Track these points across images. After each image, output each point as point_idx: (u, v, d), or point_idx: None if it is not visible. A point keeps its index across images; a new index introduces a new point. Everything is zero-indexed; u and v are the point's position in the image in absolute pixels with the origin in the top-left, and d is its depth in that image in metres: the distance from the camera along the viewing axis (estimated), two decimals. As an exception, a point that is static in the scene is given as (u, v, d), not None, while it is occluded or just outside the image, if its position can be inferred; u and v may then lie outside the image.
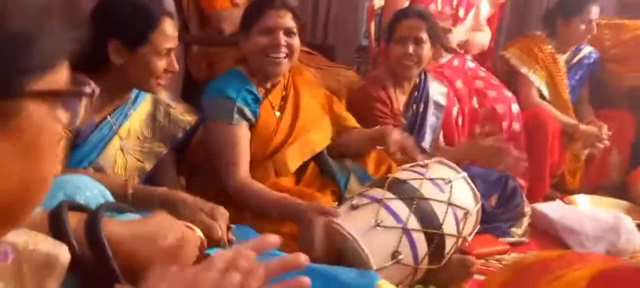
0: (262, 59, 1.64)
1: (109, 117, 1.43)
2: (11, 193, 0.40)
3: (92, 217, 0.70)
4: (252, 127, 1.64)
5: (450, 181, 1.57)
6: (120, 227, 0.73)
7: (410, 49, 2.00)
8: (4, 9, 0.37)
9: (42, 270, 0.55)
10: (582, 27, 2.55)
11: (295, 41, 1.66)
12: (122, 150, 1.45)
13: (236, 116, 1.59)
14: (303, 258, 0.61)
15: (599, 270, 0.76)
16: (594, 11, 2.53)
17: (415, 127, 2.16)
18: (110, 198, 0.95)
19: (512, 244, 2.08)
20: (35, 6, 0.39)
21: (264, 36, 1.63)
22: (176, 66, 1.43)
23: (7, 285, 0.52)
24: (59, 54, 0.41)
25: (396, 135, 1.70)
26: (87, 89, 0.44)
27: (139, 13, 1.37)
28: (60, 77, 0.41)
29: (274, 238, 0.63)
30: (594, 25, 2.55)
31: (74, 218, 0.69)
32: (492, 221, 2.08)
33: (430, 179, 1.56)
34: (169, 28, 1.39)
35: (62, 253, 0.58)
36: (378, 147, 1.81)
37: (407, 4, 2.44)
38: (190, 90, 2.29)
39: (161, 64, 1.38)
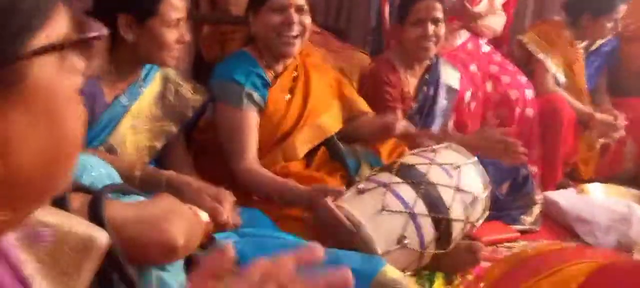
0: (274, 38, 1.62)
1: (122, 94, 1.44)
2: (39, 164, 0.38)
3: (96, 199, 0.70)
4: (261, 111, 1.63)
5: (458, 166, 1.56)
6: (123, 209, 0.73)
7: (430, 29, 1.97)
8: None
9: (79, 252, 0.54)
10: (609, 25, 2.51)
11: (307, 19, 1.64)
12: (133, 129, 1.45)
13: (245, 101, 1.58)
14: (319, 250, 0.56)
15: (598, 266, 0.75)
16: (621, 10, 2.49)
17: (424, 110, 2.14)
18: (118, 179, 0.95)
19: (522, 232, 2.07)
20: None
21: (276, 14, 1.60)
22: (188, 36, 1.43)
23: (43, 266, 0.51)
24: (51, 4, 0.37)
25: (400, 126, 1.69)
26: (92, 33, 0.40)
27: None
28: (59, 25, 0.37)
29: (319, 251, 0.56)
30: (619, 23, 2.50)
31: (78, 199, 0.69)
32: (503, 208, 2.06)
33: (439, 164, 1.55)
34: None
35: (100, 236, 0.57)
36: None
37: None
38: (201, 69, 2.29)
39: (171, 35, 1.38)
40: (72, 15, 0.39)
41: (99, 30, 0.40)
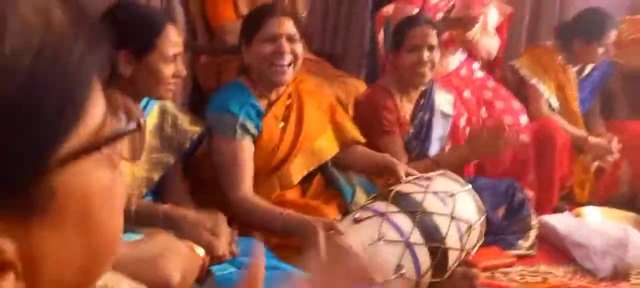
0: (266, 68, 1.64)
1: None
2: (78, 268, 0.33)
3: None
4: (255, 140, 1.65)
5: (453, 194, 1.58)
6: (121, 248, 0.74)
7: (425, 56, 2.00)
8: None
9: None
10: (601, 50, 2.53)
11: (298, 48, 1.67)
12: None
13: (239, 132, 1.60)
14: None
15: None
16: (613, 35, 2.51)
17: (421, 135, 2.16)
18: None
19: (519, 257, 2.08)
20: (28, 49, 0.28)
21: (267, 44, 1.63)
22: (184, 71, 1.45)
23: None
24: (82, 94, 0.30)
25: (403, 170, 1.69)
26: (131, 125, 0.34)
27: (142, 22, 1.40)
28: (93, 117, 0.31)
29: None
30: (612, 48, 2.53)
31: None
32: (499, 233, 2.07)
33: (434, 192, 1.57)
34: (173, 34, 1.42)
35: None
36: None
37: (415, 11, 2.44)
38: (199, 100, 2.31)
39: (169, 69, 1.40)
40: (106, 97, 0.33)
41: (138, 118, 0.36)
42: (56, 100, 0.28)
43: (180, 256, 0.80)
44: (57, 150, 0.29)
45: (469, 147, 1.94)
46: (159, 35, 1.38)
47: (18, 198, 0.28)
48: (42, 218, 0.30)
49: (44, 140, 0.28)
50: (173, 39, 1.41)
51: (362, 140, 1.87)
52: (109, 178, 0.33)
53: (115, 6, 1.43)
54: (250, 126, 1.62)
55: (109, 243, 0.35)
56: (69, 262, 0.32)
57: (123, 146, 0.35)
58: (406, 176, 1.67)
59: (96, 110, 0.31)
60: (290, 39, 1.64)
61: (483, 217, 1.64)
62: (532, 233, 2.14)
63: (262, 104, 1.68)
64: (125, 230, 0.85)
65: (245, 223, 1.51)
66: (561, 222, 2.23)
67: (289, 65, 1.65)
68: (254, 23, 1.67)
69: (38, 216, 0.30)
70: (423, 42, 2.01)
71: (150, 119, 1.52)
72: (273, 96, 1.72)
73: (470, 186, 1.66)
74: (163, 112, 1.55)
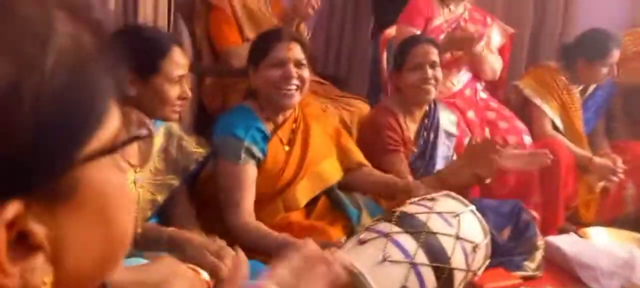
0: (274, 92, 1.66)
1: None
2: (91, 265, 0.38)
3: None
4: (260, 164, 1.66)
5: (458, 215, 1.57)
6: (126, 273, 0.74)
7: (429, 73, 2.01)
8: (29, 80, 0.32)
9: None
10: (604, 70, 2.54)
11: (305, 72, 1.68)
12: (135, 183, 1.47)
13: (243, 156, 1.61)
14: None
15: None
16: (616, 55, 2.52)
17: (426, 155, 2.16)
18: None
19: (525, 278, 2.06)
20: (64, 64, 0.33)
21: (275, 69, 1.65)
22: (189, 93, 1.46)
23: None
24: (105, 105, 0.36)
25: (418, 191, 1.69)
26: (143, 131, 0.40)
27: (148, 43, 1.41)
28: (112, 124, 0.37)
29: None
30: (615, 67, 2.54)
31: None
32: (505, 254, 2.05)
33: (438, 213, 1.56)
34: (179, 56, 1.43)
35: None
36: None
37: (418, 32, 2.46)
38: (203, 121, 2.33)
39: (174, 91, 1.41)
40: (121, 112, 0.39)
41: (147, 126, 0.41)
42: (85, 108, 0.35)
43: (185, 280, 0.80)
44: (82, 149, 0.35)
45: (465, 158, 1.93)
46: (164, 57, 1.40)
47: (50, 187, 0.33)
48: (67, 208, 0.35)
49: (73, 140, 0.34)
50: (179, 61, 1.42)
51: (367, 163, 1.87)
52: (120, 180, 0.39)
53: (123, 28, 1.45)
54: (255, 150, 1.63)
55: (122, 239, 0.40)
56: (88, 251, 0.37)
57: (132, 153, 0.39)
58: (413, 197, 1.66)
59: (113, 121, 0.37)
60: (298, 64, 1.66)
61: (488, 238, 1.63)
62: (538, 255, 2.12)
63: (268, 127, 1.69)
64: (130, 255, 0.86)
65: (244, 246, 1.51)
66: (567, 243, 2.21)
67: (296, 89, 1.67)
68: (262, 48, 1.69)
69: (64, 205, 0.35)
70: (425, 60, 2.03)
71: (156, 141, 1.53)
72: (279, 119, 1.73)
73: (474, 207, 1.65)
74: (169, 134, 1.56)
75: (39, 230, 0.33)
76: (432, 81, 2.03)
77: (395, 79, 2.13)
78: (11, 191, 0.32)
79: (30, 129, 0.32)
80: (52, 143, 0.33)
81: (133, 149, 0.39)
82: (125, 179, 0.39)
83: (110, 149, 0.37)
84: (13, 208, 0.32)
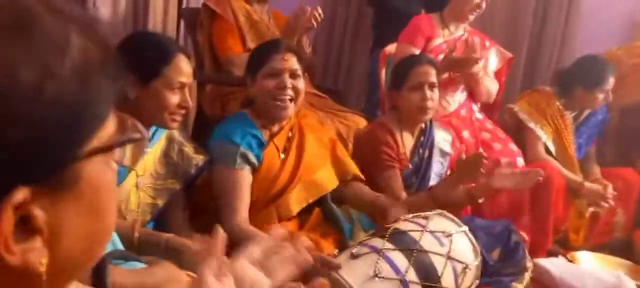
0: (269, 102, 1.69)
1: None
2: (82, 247, 0.42)
3: (100, 265, 0.73)
4: (255, 170, 1.68)
5: (450, 234, 1.60)
6: (125, 276, 0.76)
7: (428, 93, 2.05)
8: (48, 84, 0.36)
9: None
10: (600, 96, 2.57)
11: (300, 83, 1.71)
12: (136, 186, 1.47)
13: (239, 161, 1.63)
14: None
15: None
16: (612, 81, 2.55)
17: (420, 172, 2.19)
18: (118, 240, 0.98)
19: (513, 300, 2.08)
20: (76, 73, 0.38)
21: (271, 79, 1.68)
22: (190, 102, 1.46)
23: None
24: (106, 111, 0.42)
25: (397, 213, 1.70)
26: (136, 134, 0.47)
27: (153, 48, 1.42)
28: (110, 127, 0.42)
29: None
30: (611, 94, 2.58)
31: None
32: (493, 275, 2.07)
33: (431, 232, 1.59)
34: (183, 64, 1.43)
35: None
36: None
37: (417, 51, 2.50)
38: (203, 128, 2.34)
39: (174, 98, 1.41)
40: (116, 115, 0.44)
41: (140, 131, 0.45)
42: (90, 111, 0.40)
43: (181, 285, 0.82)
44: (85, 146, 0.39)
45: (457, 173, 1.96)
46: (167, 63, 1.41)
47: (54, 178, 0.38)
48: (66, 198, 0.39)
49: (78, 137, 0.39)
50: (182, 69, 1.43)
51: (361, 176, 1.89)
52: (112, 177, 0.43)
53: (132, 33, 1.48)
54: (251, 156, 1.66)
55: (107, 231, 0.44)
56: (78, 239, 0.41)
57: (125, 154, 0.45)
58: (400, 217, 1.67)
59: (111, 124, 0.42)
60: (293, 75, 1.69)
61: (479, 259, 1.65)
62: (527, 276, 2.14)
63: (264, 135, 1.72)
64: (129, 259, 0.88)
65: (238, 250, 1.52)
66: (555, 265, 2.24)
67: (291, 100, 1.69)
68: (259, 58, 1.73)
69: (64, 195, 0.39)
70: (425, 80, 2.06)
71: (158, 147, 1.54)
72: (275, 128, 1.76)
73: (466, 227, 1.68)
74: (170, 140, 1.57)
75: (40, 215, 0.38)
76: (430, 102, 2.06)
77: (394, 97, 2.16)
78: (23, 178, 0.36)
79: (46, 125, 0.36)
80: (61, 138, 0.38)
81: (126, 151, 0.46)
82: (115, 177, 0.44)
83: (108, 148, 0.42)
84: (22, 193, 0.36)
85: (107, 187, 0.43)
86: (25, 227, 0.37)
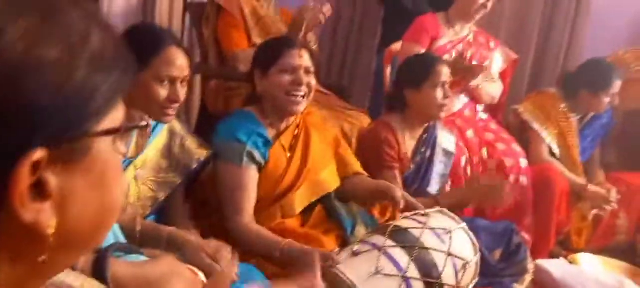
0: (282, 98, 1.67)
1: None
2: (88, 221, 0.45)
3: (101, 257, 0.74)
4: (261, 169, 1.67)
5: (450, 231, 1.60)
6: (127, 268, 0.77)
7: (448, 92, 2.06)
8: (71, 63, 0.42)
9: None
10: (606, 100, 2.57)
11: (313, 80, 1.71)
12: (136, 179, 1.48)
13: (245, 159, 1.62)
14: None
15: None
16: (618, 85, 2.55)
17: (421, 172, 2.19)
18: (120, 233, 0.99)
19: (513, 300, 2.08)
20: (94, 58, 0.44)
21: (286, 75, 1.67)
22: (180, 97, 1.41)
23: None
24: (117, 96, 0.46)
25: (399, 193, 1.72)
26: (142, 122, 0.49)
27: (144, 39, 1.39)
28: (119, 114, 0.47)
29: None
30: (617, 97, 2.57)
31: (82, 257, 0.73)
32: (495, 276, 2.08)
33: (431, 229, 1.59)
34: (174, 57, 1.39)
35: None
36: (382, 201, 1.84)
37: (422, 50, 2.49)
38: (206, 122, 2.35)
39: (162, 91, 1.38)
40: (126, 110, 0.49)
41: (146, 121, 0.48)
42: (104, 94, 0.44)
43: (182, 279, 0.83)
44: (97, 124, 0.44)
45: (468, 191, 1.98)
46: (155, 55, 1.37)
47: (68, 146, 0.42)
48: (77, 168, 0.43)
49: (92, 114, 0.44)
50: (172, 62, 1.38)
51: (364, 172, 1.90)
52: (118, 160, 0.48)
53: (132, 25, 1.47)
54: (257, 155, 1.65)
55: (113, 207, 0.48)
56: (86, 210, 0.45)
57: (131, 142, 0.47)
58: (405, 205, 1.69)
59: (120, 111, 0.47)
60: (307, 72, 1.69)
61: (478, 255, 1.66)
62: (528, 277, 2.14)
63: (270, 134, 1.71)
64: (131, 251, 0.89)
65: (243, 249, 1.52)
66: (556, 267, 2.24)
67: (304, 96, 1.69)
68: (273, 54, 1.71)
69: (75, 165, 0.43)
70: (446, 80, 2.07)
71: (159, 140, 1.54)
72: (282, 126, 1.75)
73: (465, 224, 1.68)
74: (172, 133, 1.57)
75: (53, 180, 0.41)
76: (448, 100, 2.07)
77: (408, 95, 2.12)
78: (41, 139, 0.40)
79: (64, 96, 0.41)
80: (78, 111, 0.42)
81: (131, 140, 0.48)
82: (120, 164, 0.48)
83: (117, 130, 0.46)
84: (40, 153, 0.40)
85: (115, 167, 0.47)
86: (38, 190, 0.41)
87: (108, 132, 0.45)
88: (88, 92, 0.43)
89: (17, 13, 0.40)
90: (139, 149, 1.42)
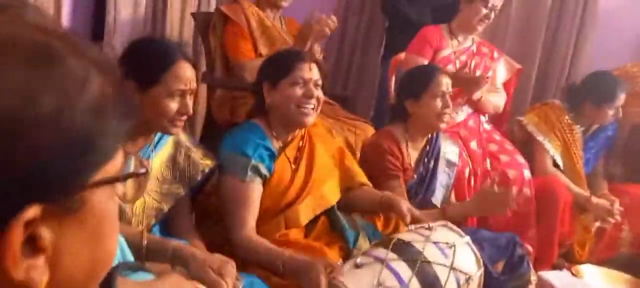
0: (293, 110, 1.69)
1: (132, 157, 1.48)
2: (84, 273, 0.44)
3: (108, 277, 0.75)
4: (266, 181, 1.68)
5: (453, 245, 1.60)
6: (134, 287, 0.78)
7: (449, 102, 2.07)
8: (67, 115, 0.39)
9: None
10: (610, 112, 2.57)
11: (321, 93, 1.73)
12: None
13: (250, 173, 1.63)
14: None
15: None
16: (622, 97, 2.55)
17: (425, 182, 2.19)
18: (126, 250, 1.00)
19: (516, 312, 2.08)
20: (92, 107, 0.41)
21: (298, 87, 1.68)
22: (190, 110, 1.43)
23: None
24: (115, 145, 0.44)
25: (405, 205, 1.74)
26: (141, 170, 0.48)
27: (153, 55, 1.41)
28: (118, 160, 0.45)
29: None
30: (621, 110, 2.57)
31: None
32: (497, 287, 2.08)
33: (434, 242, 1.60)
34: (183, 71, 1.41)
35: None
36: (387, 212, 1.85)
37: (426, 62, 2.51)
38: (212, 132, 2.36)
39: (173, 105, 1.40)
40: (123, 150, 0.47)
41: (145, 167, 0.48)
42: (101, 143, 0.43)
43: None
44: (94, 175, 0.42)
45: (476, 204, 1.98)
46: (166, 70, 1.39)
47: (63, 201, 0.41)
48: (71, 222, 0.42)
49: (88, 166, 0.42)
50: (182, 76, 1.40)
51: (368, 183, 1.91)
52: (115, 208, 0.46)
53: (137, 40, 1.49)
54: (262, 168, 1.66)
55: (107, 259, 0.47)
56: (78, 263, 0.43)
57: (128, 187, 0.48)
58: (411, 218, 1.71)
59: (118, 158, 0.45)
60: (316, 85, 1.71)
61: (482, 270, 1.66)
62: (530, 289, 2.14)
63: (275, 146, 1.73)
64: (137, 270, 0.90)
65: (246, 261, 1.54)
66: (559, 279, 2.24)
67: (313, 108, 1.71)
68: (283, 66, 1.72)
69: (70, 219, 0.42)
70: (446, 90, 2.08)
71: (165, 150, 1.55)
72: (288, 138, 1.76)
73: (469, 238, 1.69)
74: (177, 145, 1.58)
75: (46, 235, 0.40)
76: (449, 110, 2.08)
77: (409, 106, 2.14)
78: (35, 197, 0.39)
79: (61, 149, 0.39)
80: (73, 164, 0.40)
81: (130, 183, 0.48)
82: (117, 210, 0.47)
83: (114, 180, 0.44)
84: (33, 211, 0.39)
85: (110, 217, 0.45)
86: (31, 245, 0.40)
87: (105, 182, 0.43)
88: (86, 144, 0.41)
89: (10, 62, 0.38)
90: (141, 192, 1.43)
